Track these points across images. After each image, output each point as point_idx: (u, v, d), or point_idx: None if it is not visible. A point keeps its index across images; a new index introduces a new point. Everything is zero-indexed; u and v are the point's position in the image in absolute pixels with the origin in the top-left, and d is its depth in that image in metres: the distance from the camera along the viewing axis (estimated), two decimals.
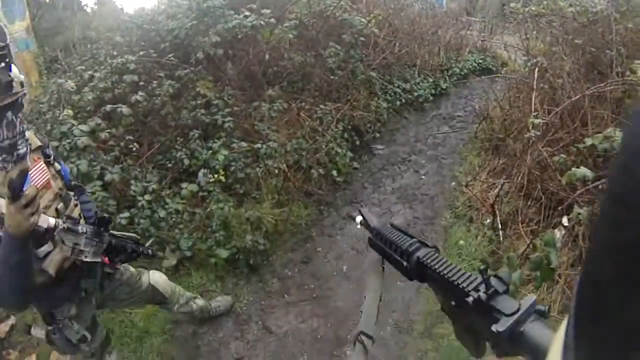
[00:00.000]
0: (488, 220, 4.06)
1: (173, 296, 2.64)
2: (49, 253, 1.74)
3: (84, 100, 4.43)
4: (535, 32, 6.54)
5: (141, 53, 5.01)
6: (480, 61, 9.37)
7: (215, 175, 4.10)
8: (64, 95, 4.53)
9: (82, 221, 1.87)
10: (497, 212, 3.93)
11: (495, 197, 4.07)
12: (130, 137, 4.21)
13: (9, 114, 1.61)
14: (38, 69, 7.02)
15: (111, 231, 1.97)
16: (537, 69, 4.62)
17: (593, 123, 3.89)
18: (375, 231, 1.01)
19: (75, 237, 1.76)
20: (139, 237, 2.23)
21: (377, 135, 5.89)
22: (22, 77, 1.65)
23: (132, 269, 2.35)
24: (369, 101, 5.70)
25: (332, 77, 5.47)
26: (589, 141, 2.98)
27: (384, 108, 5.96)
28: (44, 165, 1.86)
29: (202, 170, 4.14)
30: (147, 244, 2.34)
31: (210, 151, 4.28)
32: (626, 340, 0.28)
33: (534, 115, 3.82)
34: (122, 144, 4.12)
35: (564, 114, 4.10)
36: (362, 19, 5.96)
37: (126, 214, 3.57)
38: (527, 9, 5.69)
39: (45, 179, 1.83)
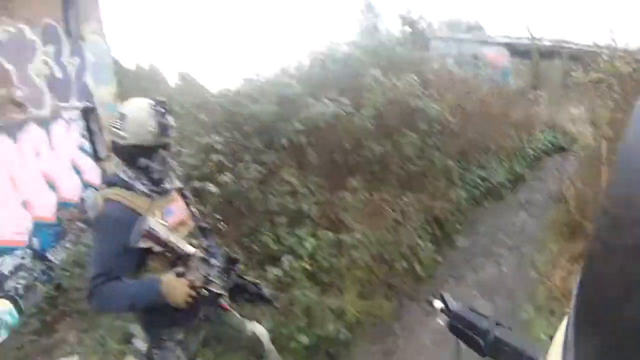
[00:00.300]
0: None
1: (270, 354, 2.69)
2: (181, 274, 1.89)
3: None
4: (598, 99, 6.33)
5: (227, 134, 5.27)
6: (552, 139, 9.26)
7: (301, 263, 4.17)
8: None
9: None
10: None
11: None
12: (218, 216, 4.35)
13: (163, 152, 1.92)
14: None
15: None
16: (603, 141, 4.44)
17: None
18: (454, 314, 1.04)
19: (208, 268, 1.94)
20: (259, 282, 2.35)
21: (458, 226, 5.86)
22: (174, 125, 1.96)
23: (238, 315, 2.45)
24: (448, 191, 5.70)
25: (410, 166, 5.54)
26: None
27: (463, 198, 5.94)
28: (183, 203, 2.12)
29: (286, 256, 4.21)
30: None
31: (297, 238, 4.38)
32: (626, 341, 0.27)
33: None
34: (209, 221, 4.29)
35: None
36: (435, 106, 6.07)
37: None
38: (587, 76, 5.55)
39: (184, 215, 2.09)
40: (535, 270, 4.88)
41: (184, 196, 2.16)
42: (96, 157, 9.01)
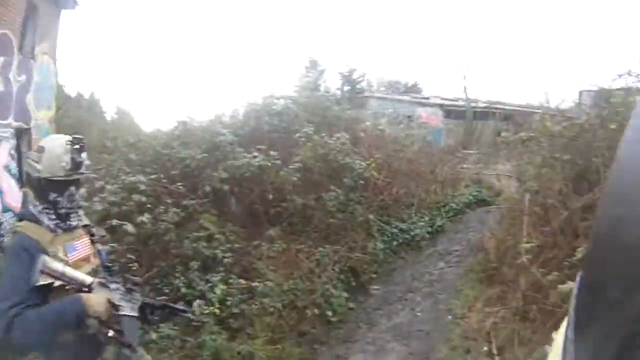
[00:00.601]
0: (485, 348, 4.03)
1: None
2: None
3: (92, 209, 4.50)
4: (527, 156, 6.67)
5: (153, 176, 5.23)
6: (476, 193, 9.69)
7: (211, 308, 4.15)
8: None
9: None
10: (492, 339, 3.94)
11: (491, 325, 4.08)
12: (131, 256, 4.28)
13: (72, 188, 1.93)
14: None
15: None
16: (527, 194, 4.76)
17: (584, 234, 3.92)
18: None
19: (109, 292, 1.87)
20: (167, 297, 2.26)
21: (374, 275, 5.97)
22: (88, 162, 1.95)
23: (148, 356, 2.32)
24: (366, 243, 5.87)
25: (331, 219, 5.68)
26: (579, 254, 3.04)
27: (381, 249, 6.12)
28: (88, 240, 2.07)
29: (197, 301, 4.18)
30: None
31: (209, 284, 4.38)
32: (625, 340, 0.28)
33: (525, 241, 3.91)
34: (122, 260, 4.14)
35: (556, 232, 4.20)
36: (362, 163, 6.32)
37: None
38: (517, 136, 5.93)
39: (88, 252, 2.05)
40: (451, 313, 5.07)
41: (90, 234, 2.13)
42: (21, 181, 8.59)
